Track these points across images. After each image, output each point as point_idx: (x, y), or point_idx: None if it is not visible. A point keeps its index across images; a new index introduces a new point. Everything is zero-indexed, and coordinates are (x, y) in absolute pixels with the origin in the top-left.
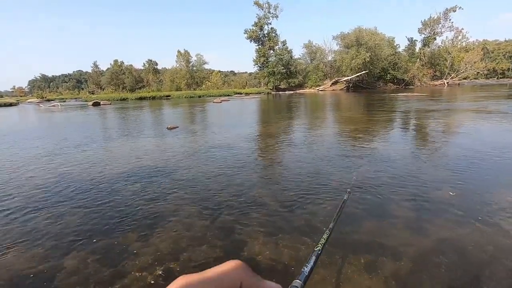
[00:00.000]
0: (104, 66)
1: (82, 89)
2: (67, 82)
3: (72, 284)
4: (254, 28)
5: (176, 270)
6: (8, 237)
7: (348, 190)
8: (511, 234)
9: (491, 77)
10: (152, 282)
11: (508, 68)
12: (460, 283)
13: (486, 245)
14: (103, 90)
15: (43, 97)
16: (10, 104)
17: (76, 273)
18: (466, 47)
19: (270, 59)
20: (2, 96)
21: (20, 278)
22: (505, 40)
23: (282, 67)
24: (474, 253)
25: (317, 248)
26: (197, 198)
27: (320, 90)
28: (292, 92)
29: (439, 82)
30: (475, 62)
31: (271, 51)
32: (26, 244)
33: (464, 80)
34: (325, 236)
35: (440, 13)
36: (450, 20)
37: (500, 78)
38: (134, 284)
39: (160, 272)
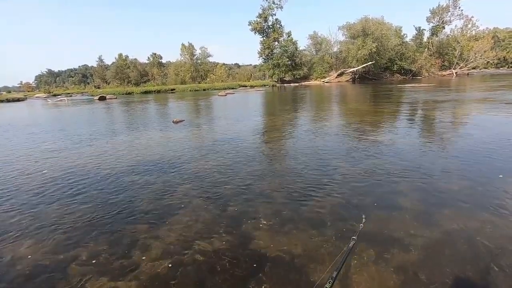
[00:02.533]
0: (109, 60)
1: (88, 83)
2: (73, 77)
3: (85, 274)
4: (258, 19)
5: (185, 261)
6: (23, 228)
7: (354, 237)
8: None
9: (501, 66)
10: (162, 272)
11: None
12: (470, 274)
13: (497, 237)
14: (109, 84)
15: (50, 92)
16: (18, 99)
17: (89, 264)
18: (475, 36)
19: (275, 51)
20: (10, 92)
21: (35, 268)
22: None
23: (287, 59)
24: (485, 245)
25: None
26: (204, 191)
27: (326, 82)
28: (297, 84)
29: (448, 72)
30: (485, 51)
31: (276, 43)
32: (40, 235)
33: (473, 70)
34: (328, 285)
35: (449, 0)
36: (459, 8)
37: (511, 67)
38: (144, 275)
39: (169, 263)
